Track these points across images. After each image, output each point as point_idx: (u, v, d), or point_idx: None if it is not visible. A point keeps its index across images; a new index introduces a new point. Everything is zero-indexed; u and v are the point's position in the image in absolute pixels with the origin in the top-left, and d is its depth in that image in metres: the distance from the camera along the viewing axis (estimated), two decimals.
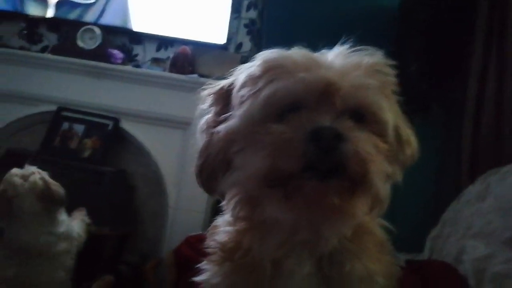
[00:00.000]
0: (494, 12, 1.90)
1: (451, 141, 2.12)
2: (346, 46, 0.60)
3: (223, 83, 0.64)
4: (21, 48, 2.36)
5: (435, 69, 2.13)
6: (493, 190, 1.44)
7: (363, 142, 0.52)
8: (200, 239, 1.29)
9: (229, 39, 2.30)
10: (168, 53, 2.36)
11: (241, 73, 0.60)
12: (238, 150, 0.57)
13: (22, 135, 2.22)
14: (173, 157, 2.08)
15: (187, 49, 2.21)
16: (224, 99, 0.62)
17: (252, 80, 0.57)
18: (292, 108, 0.54)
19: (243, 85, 0.58)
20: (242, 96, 0.57)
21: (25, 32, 2.42)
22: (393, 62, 0.61)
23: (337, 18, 2.20)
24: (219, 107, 0.62)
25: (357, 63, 0.57)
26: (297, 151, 0.50)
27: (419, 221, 1.69)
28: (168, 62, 2.24)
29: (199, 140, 0.63)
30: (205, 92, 0.65)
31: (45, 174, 1.49)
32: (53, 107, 2.15)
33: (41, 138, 2.10)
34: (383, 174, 0.54)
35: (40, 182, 1.43)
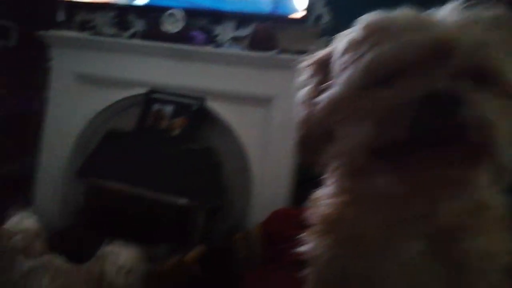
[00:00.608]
0: None
1: None
2: (459, 1, 0.53)
3: (322, 52, 0.61)
4: (113, 35, 2.53)
5: None
6: None
7: (487, 105, 0.47)
8: (287, 213, 1.32)
9: (307, 11, 2.25)
10: (247, 31, 2.38)
11: (341, 40, 0.56)
12: (341, 120, 0.53)
13: (118, 117, 2.40)
14: (256, 133, 2.12)
15: (265, 25, 2.21)
16: (323, 68, 0.58)
17: (354, 45, 0.53)
18: (400, 73, 0.49)
19: (344, 51, 0.54)
20: (344, 63, 0.53)
21: (116, 20, 2.59)
22: None
23: None
24: (318, 77, 0.59)
25: (475, 18, 0.51)
26: (407, 118, 0.46)
27: None
28: (248, 40, 2.26)
29: (299, 112, 0.61)
30: (303, 63, 0.62)
31: None
32: (144, 90, 2.29)
33: (135, 120, 2.26)
34: (509, 141, 0.48)
35: None
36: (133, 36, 2.55)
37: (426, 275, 0.55)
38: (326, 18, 2.29)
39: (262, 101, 2.09)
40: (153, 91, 2.28)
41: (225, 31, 2.44)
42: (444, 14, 0.52)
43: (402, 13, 0.53)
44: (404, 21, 0.51)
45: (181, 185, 1.97)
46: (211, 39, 2.43)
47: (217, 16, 2.44)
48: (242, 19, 2.41)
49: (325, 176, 0.62)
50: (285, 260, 1.04)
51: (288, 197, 2.04)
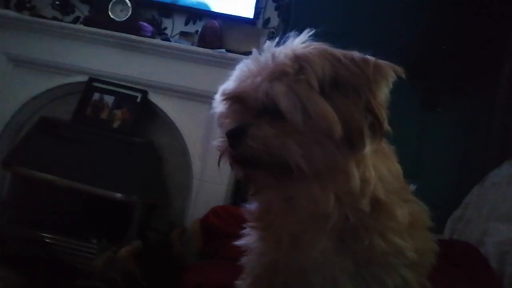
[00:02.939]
0: None
1: (479, 123, 2.07)
2: (272, 43, 0.68)
3: None
4: (54, 18, 2.41)
5: (469, 50, 2.07)
6: None
7: (264, 133, 0.60)
8: (226, 210, 1.34)
9: (257, 13, 2.29)
10: (197, 27, 2.37)
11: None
12: None
13: (56, 105, 2.29)
14: (199, 130, 2.12)
15: (215, 23, 2.22)
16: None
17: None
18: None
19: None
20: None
21: (58, 2, 2.47)
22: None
23: None
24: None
25: (264, 65, 0.64)
26: (224, 149, 0.64)
27: (442, 203, 1.69)
28: (197, 36, 2.26)
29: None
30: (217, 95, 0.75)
31: None
32: (84, 78, 2.21)
33: (73, 108, 2.17)
34: (306, 153, 0.59)
35: None
36: (75, 21, 2.44)
37: (335, 268, 0.64)
38: (275, 22, 2.34)
39: (208, 98, 2.09)
40: (94, 79, 2.20)
41: (174, 25, 2.41)
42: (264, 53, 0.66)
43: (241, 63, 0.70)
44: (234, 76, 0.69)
45: (119, 179, 1.91)
46: (159, 32, 2.39)
47: (167, 9, 2.40)
48: (192, 15, 2.39)
49: None
50: (223, 254, 1.07)
51: (228, 195, 2.06)
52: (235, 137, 0.61)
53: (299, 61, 0.61)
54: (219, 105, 0.69)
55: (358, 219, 0.64)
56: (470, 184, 1.65)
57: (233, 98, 0.65)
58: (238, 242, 0.72)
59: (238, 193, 2.06)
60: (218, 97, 0.69)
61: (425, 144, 1.95)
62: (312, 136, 0.59)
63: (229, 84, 0.67)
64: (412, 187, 0.73)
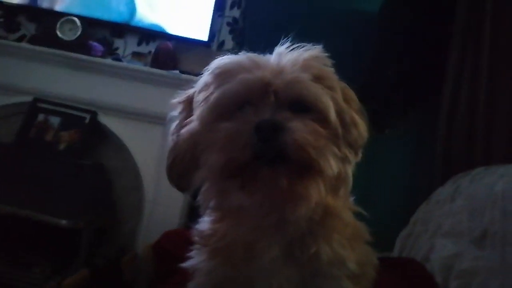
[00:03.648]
0: (470, 18, 1.96)
1: (425, 144, 2.18)
2: (285, 46, 0.67)
3: (190, 91, 0.71)
4: None
5: (413, 74, 2.18)
6: (463, 191, 1.49)
7: (301, 130, 0.58)
8: (179, 233, 1.31)
9: (211, 36, 2.30)
10: (150, 48, 2.34)
11: (200, 81, 0.68)
12: (202, 149, 0.63)
13: None
14: (152, 152, 2.07)
15: (169, 44, 2.21)
16: (189, 105, 0.69)
17: (205, 86, 0.65)
18: (239, 107, 0.61)
19: (198, 92, 0.66)
20: (198, 102, 0.65)
21: (2, 20, 2.37)
22: (328, 54, 0.67)
23: (318, 19, 2.23)
24: (185, 113, 0.70)
25: (294, 60, 0.64)
26: (245, 143, 0.57)
27: (391, 221, 1.75)
28: (150, 57, 2.23)
29: (170, 142, 0.71)
30: (175, 100, 0.72)
31: None
32: (29, 98, 2.11)
33: (16, 130, 2.06)
34: (330, 156, 0.60)
35: None
36: (21, 39, 2.35)
37: (282, 278, 0.64)
38: (229, 44, 2.37)
39: (160, 120, 2.06)
40: (38, 99, 2.10)
41: (126, 46, 2.37)
42: (274, 56, 0.66)
43: (242, 56, 0.66)
44: (241, 64, 0.64)
45: (64, 204, 1.82)
46: (110, 52, 2.34)
47: (119, 30, 2.37)
48: (145, 36, 2.37)
49: (198, 199, 0.69)
50: (174, 280, 1.04)
51: (182, 218, 2.01)
52: (273, 130, 0.57)
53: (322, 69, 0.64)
54: (231, 88, 0.62)
55: (308, 225, 0.65)
56: (418, 203, 1.72)
57: (258, 87, 0.60)
58: (185, 264, 0.71)
59: (192, 215, 2.02)
60: (235, 86, 0.61)
61: (374, 166, 2.02)
62: (338, 142, 0.62)
63: (246, 73, 0.62)
64: (351, 198, 0.74)
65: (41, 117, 2.08)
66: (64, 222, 1.78)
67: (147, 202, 2.05)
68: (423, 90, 2.22)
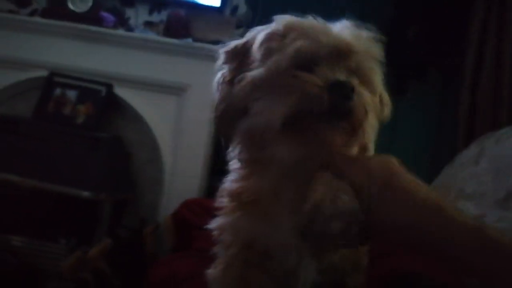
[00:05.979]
0: None
1: (448, 106, 2.12)
2: (347, 21, 0.68)
3: (237, 42, 0.70)
4: (10, 11, 2.29)
5: (433, 34, 2.10)
6: (487, 153, 1.45)
7: (366, 97, 0.63)
8: (199, 202, 1.31)
9: (224, 1, 2.24)
10: (161, 17, 2.30)
11: (259, 33, 0.67)
12: (258, 98, 0.63)
13: (15, 101, 2.18)
14: (168, 123, 2.07)
15: (181, 12, 2.16)
16: (239, 56, 0.68)
17: (276, 36, 0.65)
18: (313, 64, 0.63)
19: (266, 41, 0.65)
20: (267, 49, 0.64)
21: None
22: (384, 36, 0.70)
23: None
24: (234, 63, 0.68)
25: (360, 34, 0.67)
26: (320, 96, 0.59)
27: None
28: (162, 26, 2.19)
29: (216, 92, 0.69)
30: (221, 50, 0.70)
31: None
32: (44, 73, 2.11)
33: (34, 104, 2.07)
34: (372, 125, 0.65)
35: None
36: (33, 13, 2.33)
37: (302, 248, 0.64)
38: (242, 9, 2.30)
39: (175, 90, 2.04)
40: (55, 74, 2.10)
41: (138, 15, 2.33)
42: (340, 27, 0.67)
43: (311, 19, 0.67)
44: (315, 25, 0.65)
45: (85, 177, 1.84)
46: (122, 22, 2.31)
47: None
48: (156, 4, 2.32)
49: (230, 150, 0.70)
50: (195, 246, 1.05)
51: (201, 189, 2.03)
52: (349, 91, 0.60)
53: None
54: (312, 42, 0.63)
55: None
56: (442, 165, 1.69)
57: (337, 50, 0.63)
58: (211, 226, 0.70)
59: (213, 185, 2.03)
60: (315, 43, 0.63)
61: (397, 130, 1.97)
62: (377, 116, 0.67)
63: (324, 33, 0.64)
64: None
65: (58, 91, 2.09)
66: (85, 193, 1.81)
67: (166, 174, 2.06)
68: (444, 51, 2.14)
